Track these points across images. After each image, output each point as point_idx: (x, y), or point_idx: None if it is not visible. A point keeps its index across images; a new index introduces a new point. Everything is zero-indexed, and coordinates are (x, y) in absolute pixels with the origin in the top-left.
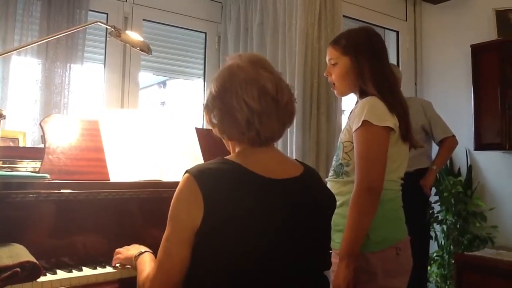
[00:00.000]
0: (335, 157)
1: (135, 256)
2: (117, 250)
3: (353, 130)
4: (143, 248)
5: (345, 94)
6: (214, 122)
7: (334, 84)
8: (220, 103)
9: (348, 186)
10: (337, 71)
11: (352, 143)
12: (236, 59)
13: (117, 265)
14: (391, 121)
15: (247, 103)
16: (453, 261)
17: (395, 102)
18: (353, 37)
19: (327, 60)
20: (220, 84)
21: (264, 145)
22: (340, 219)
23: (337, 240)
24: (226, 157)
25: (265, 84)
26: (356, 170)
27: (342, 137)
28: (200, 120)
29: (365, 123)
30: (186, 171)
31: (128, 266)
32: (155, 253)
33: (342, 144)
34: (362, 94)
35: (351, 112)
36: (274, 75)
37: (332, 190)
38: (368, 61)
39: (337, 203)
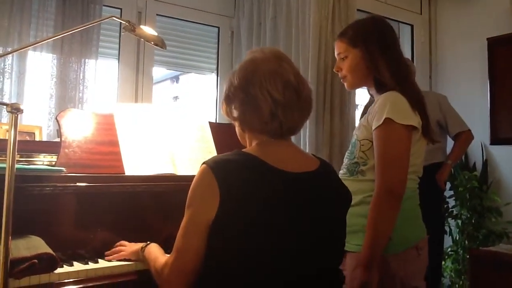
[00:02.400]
0: (348, 154)
1: (142, 248)
2: (119, 248)
3: (373, 128)
4: (144, 243)
5: (356, 87)
6: (234, 115)
7: (344, 77)
8: (242, 94)
9: (365, 185)
10: (347, 64)
11: (370, 141)
12: (258, 52)
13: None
14: (415, 119)
15: (271, 94)
16: (467, 256)
17: (415, 96)
18: (360, 27)
19: (335, 55)
20: (243, 75)
21: (284, 136)
22: (357, 219)
23: (353, 242)
24: (243, 150)
25: (288, 77)
26: (376, 171)
27: (358, 134)
28: (213, 114)
29: (387, 121)
30: (204, 163)
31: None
32: (165, 245)
33: (359, 142)
34: (379, 87)
35: (365, 107)
36: (294, 69)
37: None
38: (380, 50)
39: (352, 202)
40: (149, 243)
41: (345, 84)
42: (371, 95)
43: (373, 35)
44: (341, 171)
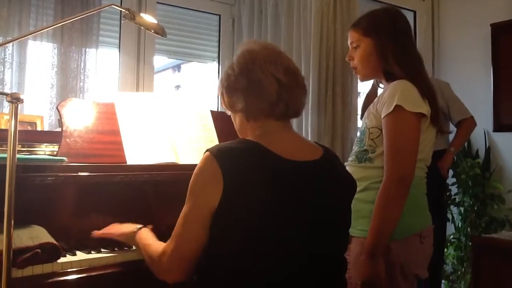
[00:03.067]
0: (357, 142)
1: (135, 231)
2: (108, 227)
3: (383, 115)
4: (137, 225)
5: (368, 77)
6: (235, 108)
7: (356, 68)
8: (244, 81)
9: (372, 171)
10: (359, 54)
11: (379, 129)
12: (252, 43)
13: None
14: (424, 107)
15: (274, 76)
16: (470, 244)
17: (425, 86)
18: (374, 18)
19: (348, 44)
20: (242, 64)
21: (291, 117)
22: (363, 204)
23: (360, 227)
24: (246, 138)
25: (288, 63)
26: (386, 159)
27: (368, 122)
28: (215, 103)
29: (397, 108)
30: (207, 150)
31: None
32: (167, 233)
33: (368, 130)
34: (388, 77)
35: (367, 95)
36: (290, 59)
37: (353, 175)
38: (391, 42)
39: (359, 188)
40: (141, 227)
41: (358, 76)
42: (378, 84)
43: (386, 27)
44: (350, 158)
